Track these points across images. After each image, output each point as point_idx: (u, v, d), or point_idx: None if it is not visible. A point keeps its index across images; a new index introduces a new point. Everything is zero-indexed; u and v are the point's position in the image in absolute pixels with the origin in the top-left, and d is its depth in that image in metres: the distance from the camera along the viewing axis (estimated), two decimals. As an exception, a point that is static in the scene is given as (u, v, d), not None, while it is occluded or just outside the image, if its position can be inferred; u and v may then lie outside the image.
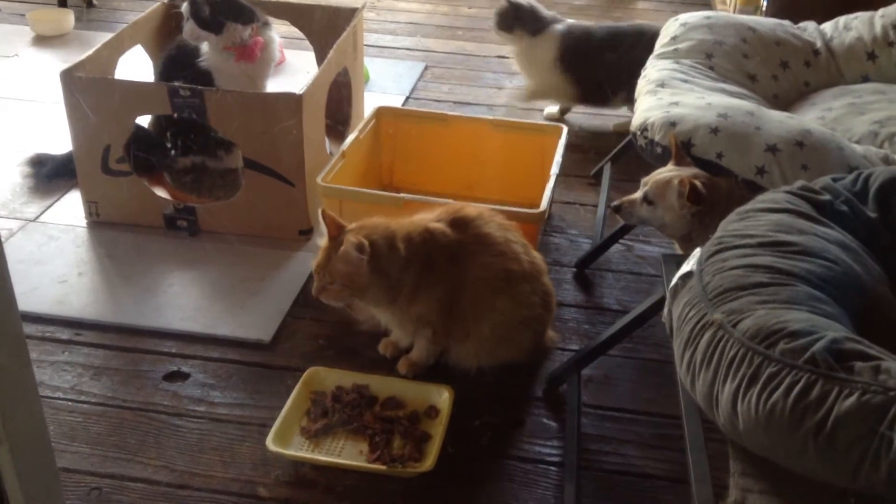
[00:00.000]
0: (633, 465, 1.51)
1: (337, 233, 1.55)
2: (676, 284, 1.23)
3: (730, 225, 1.28)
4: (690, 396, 1.10)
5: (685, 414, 1.20)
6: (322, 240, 1.58)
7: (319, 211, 1.57)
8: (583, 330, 1.86)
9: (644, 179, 1.66)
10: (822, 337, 0.96)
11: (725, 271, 1.14)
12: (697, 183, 1.54)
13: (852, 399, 0.88)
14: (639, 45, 2.49)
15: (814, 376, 0.92)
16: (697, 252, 1.24)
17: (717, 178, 1.58)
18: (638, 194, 1.67)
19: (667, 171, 1.62)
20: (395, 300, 1.57)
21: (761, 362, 0.97)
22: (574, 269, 2.07)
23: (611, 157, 2.47)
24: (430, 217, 1.63)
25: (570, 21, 2.76)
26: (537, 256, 1.71)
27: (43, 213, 2.19)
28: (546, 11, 2.75)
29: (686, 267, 1.23)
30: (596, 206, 2.35)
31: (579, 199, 2.39)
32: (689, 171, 1.59)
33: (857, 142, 1.73)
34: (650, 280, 2.04)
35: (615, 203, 1.71)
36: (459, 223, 1.62)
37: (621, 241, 2.11)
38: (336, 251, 1.50)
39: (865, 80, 2.06)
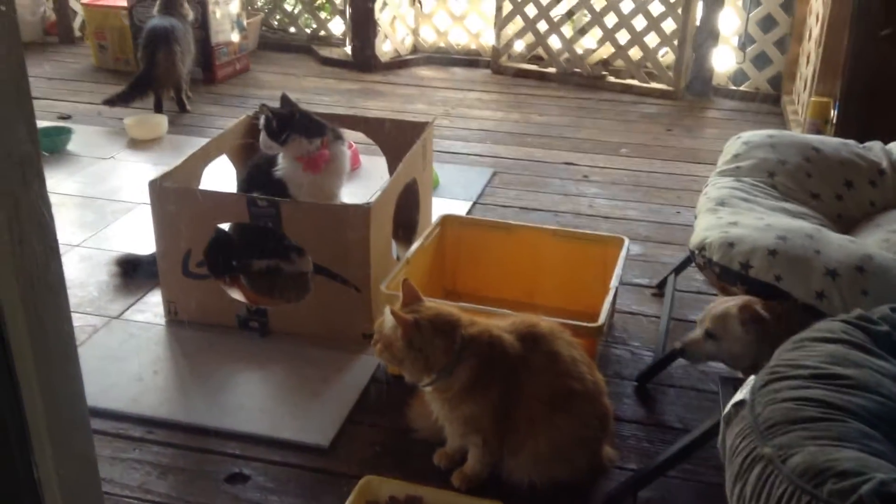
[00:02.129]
0: None
1: (410, 301, 1.63)
2: (730, 412, 1.23)
3: (784, 354, 1.28)
4: (741, 531, 1.09)
5: (736, 548, 1.18)
6: (398, 303, 1.65)
7: (402, 279, 1.68)
8: (642, 448, 1.84)
9: (699, 318, 1.67)
10: (870, 478, 0.95)
11: (777, 403, 1.14)
12: (756, 307, 1.54)
13: (899, 547, 0.87)
14: None
15: (861, 520, 0.91)
16: (752, 380, 1.24)
17: (775, 305, 1.58)
18: (698, 332, 1.67)
19: (720, 303, 1.63)
20: (439, 388, 1.61)
21: (809, 501, 0.96)
22: (635, 383, 2.06)
23: (675, 269, 2.48)
24: (504, 325, 1.68)
25: None
26: (600, 377, 1.73)
27: (126, 310, 2.33)
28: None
29: (739, 395, 1.23)
30: (659, 317, 2.34)
31: (642, 310, 2.39)
32: (741, 299, 1.59)
33: (923, 266, 1.70)
34: (713, 397, 2.01)
35: (678, 346, 1.71)
36: (529, 337, 1.65)
37: (683, 355, 2.09)
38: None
39: (933, 200, 2.04)
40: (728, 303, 1.61)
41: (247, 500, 1.66)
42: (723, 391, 1.46)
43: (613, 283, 2.06)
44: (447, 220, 2.42)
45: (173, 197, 2.17)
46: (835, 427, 1.07)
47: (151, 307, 2.34)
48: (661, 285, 2.49)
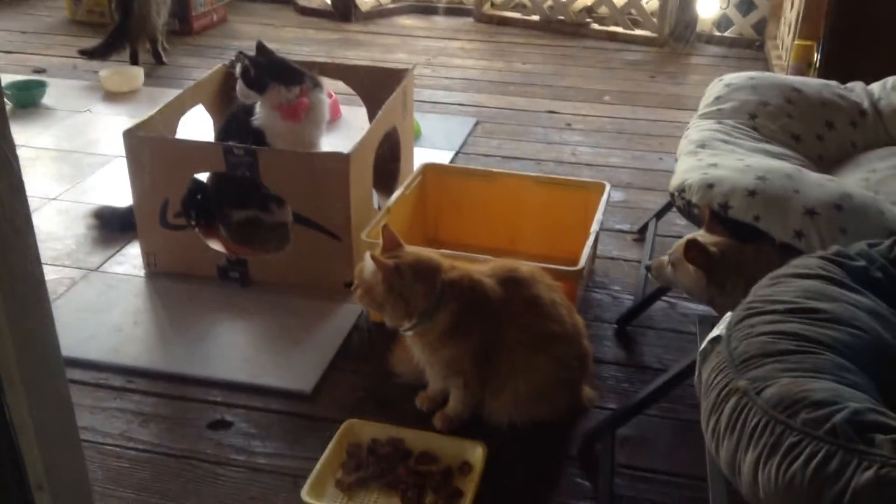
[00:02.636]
0: (667, 530, 1.49)
1: (390, 248, 1.63)
2: (706, 348, 1.23)
3: (760, 290, 1.28)
4: (716, 462, 1.10)
5: (710, 479, 1.20)
6: (378, 249, 1.64)
7: (382, 225, 1.66)
8: (621, 388, 1.85)
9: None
10: (844, 408, 0.96)
11: (752, 337, 1.15)
12: (705, 245, 1.54)
13: (870, 472, 0.88)
14: None
15: (833, 447, 0.92)
16: (728, 316, 1.24)
17: (745, 246, 1.58)
18: (666, 256, 1.68)
19: (691, 236, 1.63)
20: (420, 332, 1.62)
21: (783, 432, 0.97)
22: (615, 326, 2.07)
23: (656, 214, 2.48)
24: (484, 270, 1.67)
25: None
26: (579, 319, 1.73)
27: (104, 263, 2.30)
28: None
29: (715, 331, 1.24)
30: (639, 262, 2.35)
31: (623, 255, 2.40)
32: (711, 238, 1.59)
33: (901, 204, 1.71)
34: (692, 338, 2.01)
35: (647, 263, 1.73)
36: (509, 281, 1.65)
37: (664, 298, 2.11)
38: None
39: (913, 140, 2.04)
40: (696, 236, 1.61)
41: (229, 445, 1.67)
42: (700, 330, 1.46)
43: (594, 227, 2.05)
44: (428, 169, 2.40)
45: (149, 147, 2.14)
46: (809, 359, 1.07)
47: (130, 259, 2.32)
48: (643, 230, 2.50)
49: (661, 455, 1.66)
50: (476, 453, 1.58)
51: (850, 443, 0.91)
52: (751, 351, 1.12)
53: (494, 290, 1.62)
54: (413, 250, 1.64)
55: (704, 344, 1.24)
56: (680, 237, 1.71)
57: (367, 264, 1.60)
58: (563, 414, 1.70)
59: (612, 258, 2.38)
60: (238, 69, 2.27)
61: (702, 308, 2.11)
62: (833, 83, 2.16)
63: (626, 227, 2.54)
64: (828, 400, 0.98)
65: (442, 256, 1.66)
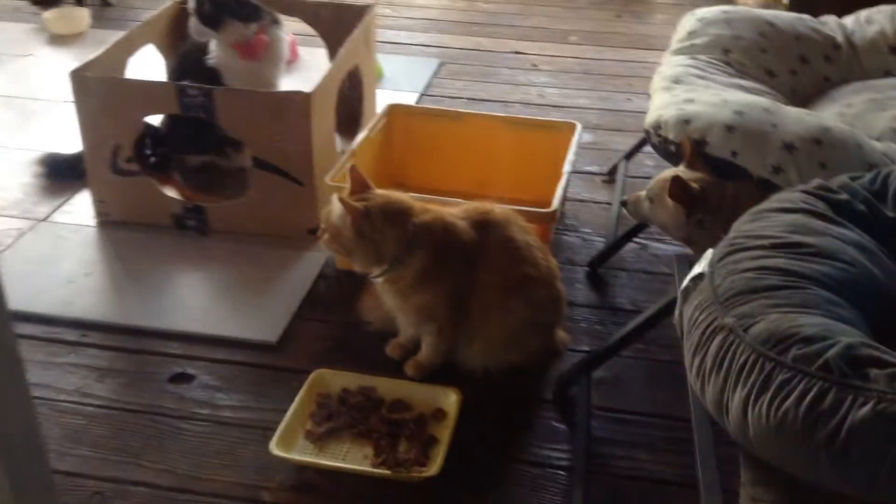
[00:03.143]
0: (644, 470, 1.47)
1: (359, 190, 1.55)
2: (688, 286, 1.19)
3: (743, 225, 1.24)
4: (700, 402, 1.07)
5: (695, 420, 1.17)
6: (346, 192, 1.57)
7: (349, 166, 1.59)
8: (594, 331, 1.82)
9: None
10: (836, 343, 0.92)
11: (737, 273, 1.11)
12: (687, 181, 1.50)
13: (867, 408, 0.85)
14: None
15: (827, 384, 0.88)
16: (710, 253, 1.20)
17: (725, 182, 1.54)
18: (643, 192, 1.63)
19: (670, 171, 1.59)
20: (391, 278, 1.56)
21: (773, 368, 0.93)
22: (587, 269, 2.03)
23: (626, 155, 2.44)
24: (457, 212, 1.61)
25: None
26: (553, 262, 1.69)
27: (53, 212, 2.19)
28: None
29: (698, 268, 1.20)
30: (610, 203, 2.31)
31: (593, 197, 2.35)
32: (692, 174, 1.55)
33: (878, 139, 1.68)
34: (665, 279, 2.00)
35: (624, 198, 1.68)
36: (483, 224, 1.60)
37: (635, 239, 2.07)
38: None
39: (887, 74, 2.00)
40: (676, 172, 1.56)
41: (192, 399, 1.60)
42: (678, 269, 1.42)
43: (566, 167, 2.00)
44: (394, 110, 2.31)
45: (97, 88, 2.02)
46: (797, 294, 1.04)
47: (80, 208, 2.21)
48: (612, 172, 2.45)
49: (636, 396, 1.64)
50: (450, 400, 1.54)
51: (845, 378, 0.88)
52: (736, 287, 1.08)
53: (468, 233, 1.57)
54: (383, 193, 1.57)
55: (686, 282, 1.20)
56: (650, 178, 1.67)
57: (335, 208, 1.52)
58: (537, 358, 1.67)
59: (582, 200, 2.33)
60: (192, 4, 2.14)
61: (673, 248, 2.09)
62: (806, 17, 2.11)
63: (595, 168, 2.49)
64: (819, 335, 0.94)
65: (413, 199, 1.59)
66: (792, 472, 0.92)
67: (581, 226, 2.22)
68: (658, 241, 2.13)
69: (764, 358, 0.95)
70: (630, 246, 2.07)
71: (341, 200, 1.49)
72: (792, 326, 0.96)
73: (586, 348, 1.75)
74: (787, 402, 0.90)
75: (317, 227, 1.85)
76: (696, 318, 1.10)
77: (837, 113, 1.81)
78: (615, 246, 2.05)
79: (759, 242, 1.16)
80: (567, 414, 1.59)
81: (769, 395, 0.92)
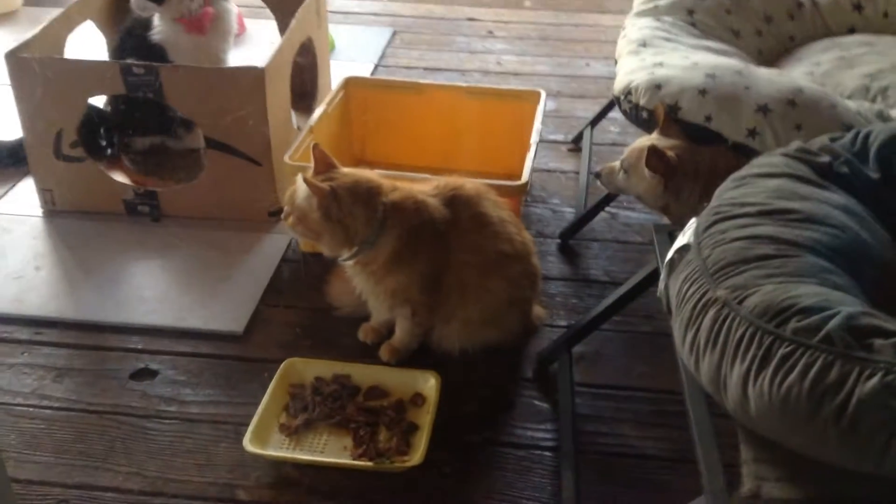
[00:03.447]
0: (632, 446, 1.44)
1: (323, 170, 1.48)
2: (673, 258, 1.15)
3: (726, 193, 1.20)
4: (693, 379, 1.03)
5: (688, 397, 1.13)
6: (310, 171, 1.50)
7: (312, 144, 1.51)
8: (570, 304, 1.79)
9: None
10: (836, 313, 0.89)
11: (726, 244, 1.07)
12: (664, 150, 1.46)
13: (875, 380, 0.81)
14: None
15: (831, 356, 0.85)
16: (693, 223, 1.16)
17: (701, 149, 1.50)
18: (617, 162, 1.59)
19: (645, 139, 1.54)
20: (362, 261, 1.50)
21: (772, 342, 0.90)
22: (558, 241, 1.99)
23: (591, 122, 2.39)
24: (427, 189, 1.55)
25: None
26: (528, 237, 1.64)
27: (-6, 203, 2.08)
28: None
29: (682, 239, 1.16)
30: (577, 173, 2.26)
31: (560, 167, 2.31)
32: (668, 142, 1.51)
33: (849, 97, 1.66)
34: (637, 248, 1.97)
35: (596, 169, 1.64)
36: (455, 201, 1.54)
37: (606, 209, 2.03)
38: None
39: (851, 31, 1.99)
40: (651, 141, 1.52)
41: (157, 395, 1.53)
42: (658, 238, 1.38)
43: (534, 137, 1.95)
44: (351, 83, 2.22)
45: (35, 69, 1.89)
46: (790, 263, 1.00)
47: (24, 197, 2.09)
48: (578, 140, 2.40)
49: (618, 370, 1.61)
50: (429, 384, 1.49)
51: (849, 350, 0.85)
52: (726, 258, 1.04)
53: (440, 210, 1.50)
54: (349, 171, 1.49)
55: (671, 254, 1.16)
56: (615, 145, 1.63)
57: (300, 189, 1.45)
58: (515, 336, 1.62)
59: (549, 170, 2.29)
60: (132, -23, 2.02)
61: (645, 216, 2.06)
62: (768, -26, 2.08)
63: (560, 137, 2.44)
64: (817, 305, 0.91)
65: (381, 177, 1.52)
66: (797, 448, 0.89)
67: (549, 197, 2.17)
68: (628, 209, 2.09)
69: (762, 331, 0.91)
70: (601, 216, 2.03)
71: (306, 181, 1.42)
72: (789, 297, 0.93)
73: (564, 323, 1.71)
74: (791, 378, 0.86)
75: (278, 210, 1.77)
76: (686, 291, 1.06)
77: (806, 72, 1.79)
78: (585, 217, 2.01)
79: (745, 210, 1.12)
80: (549, 392, 1.55)
81: (770, 370, 0.88)
